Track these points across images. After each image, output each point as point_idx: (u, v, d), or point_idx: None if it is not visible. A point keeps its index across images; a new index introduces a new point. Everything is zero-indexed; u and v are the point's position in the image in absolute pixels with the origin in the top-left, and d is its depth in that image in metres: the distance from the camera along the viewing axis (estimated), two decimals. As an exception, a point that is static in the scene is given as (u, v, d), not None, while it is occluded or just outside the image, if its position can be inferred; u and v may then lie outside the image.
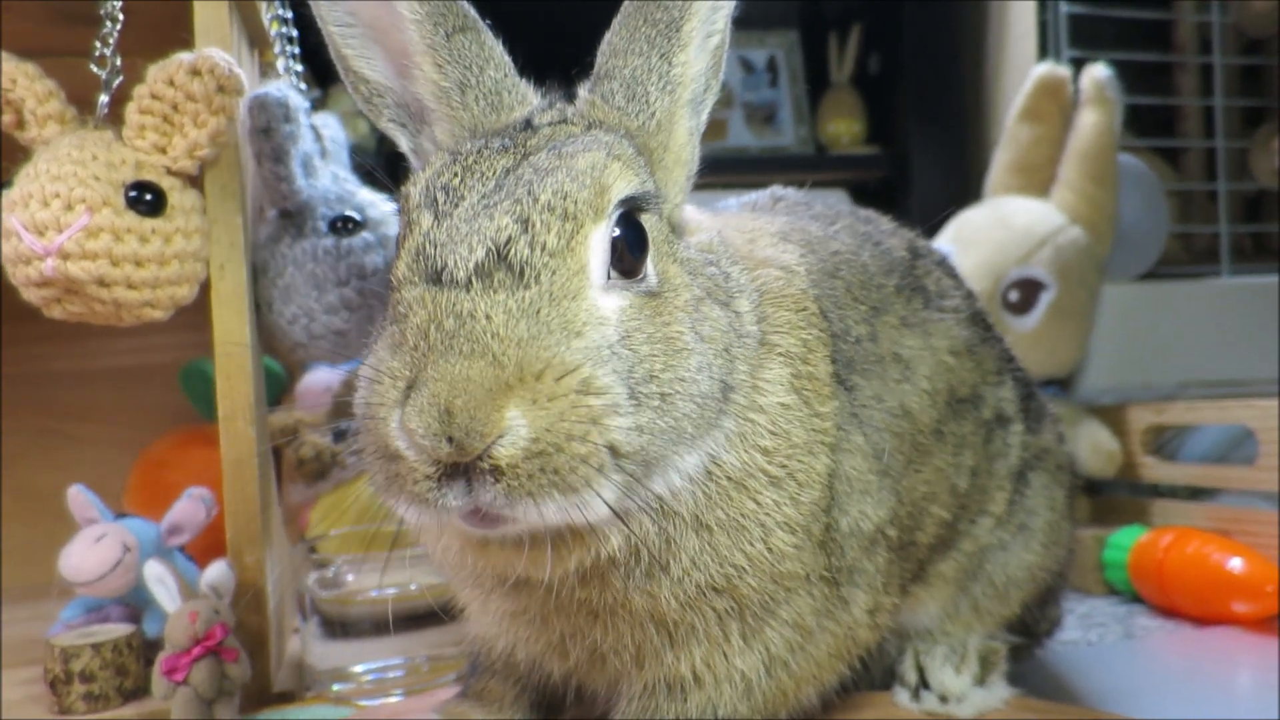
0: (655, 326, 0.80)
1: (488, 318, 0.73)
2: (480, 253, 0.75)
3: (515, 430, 0.70)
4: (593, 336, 0.76)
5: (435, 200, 0.80)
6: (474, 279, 0.74)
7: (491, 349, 0.71)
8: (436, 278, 0.76)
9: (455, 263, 0.75)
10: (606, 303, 0.79)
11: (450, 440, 0.69)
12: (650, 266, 0.83)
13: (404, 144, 0.97)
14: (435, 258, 0.77)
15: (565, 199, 0.78)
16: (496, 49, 0.93)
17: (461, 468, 0.70)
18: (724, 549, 0.86)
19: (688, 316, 0.83)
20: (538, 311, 0.74)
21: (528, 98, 0.94)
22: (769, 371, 0.91)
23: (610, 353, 0.76)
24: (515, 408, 0.70)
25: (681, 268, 0.87)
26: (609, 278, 0.80)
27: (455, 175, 0.82)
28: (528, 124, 0.89)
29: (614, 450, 0.74)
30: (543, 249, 0.76)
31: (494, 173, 0.81)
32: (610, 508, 0.75)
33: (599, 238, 0.79)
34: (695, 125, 0.94)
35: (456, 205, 0.79)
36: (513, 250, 0.76)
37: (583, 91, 0.93)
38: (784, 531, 0.88)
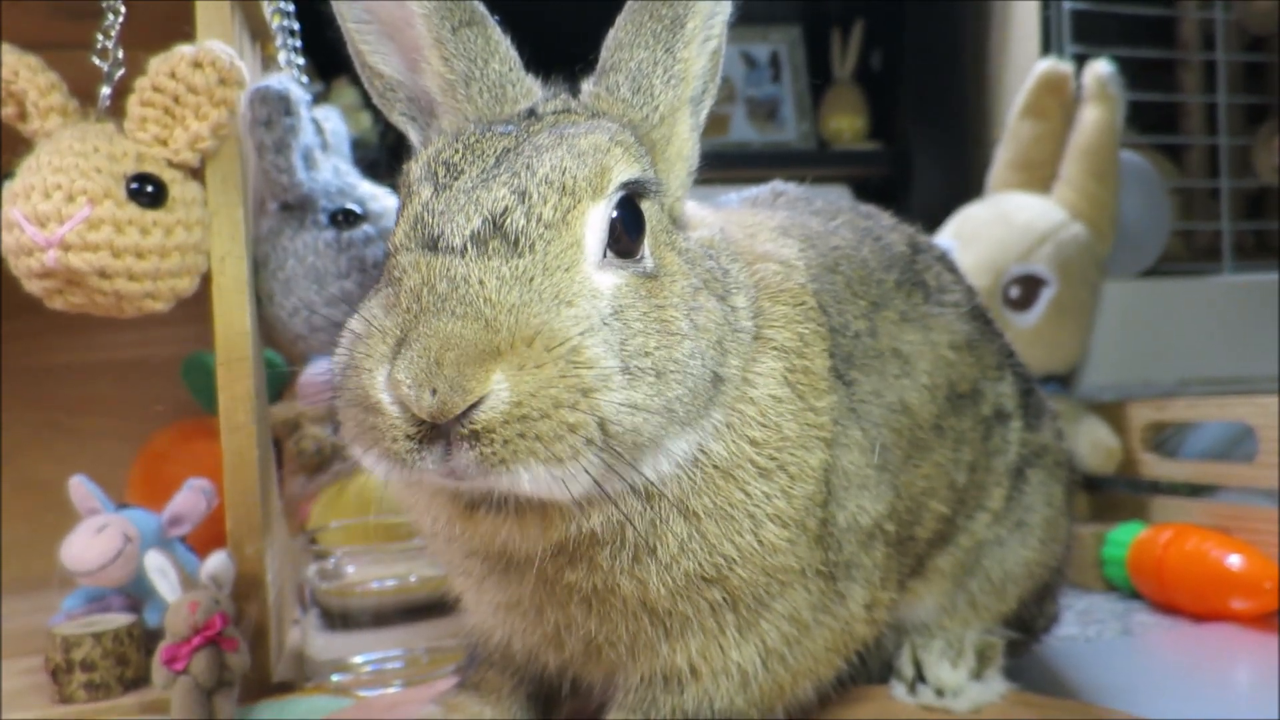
0: (650, 307, 0.80)
1: (481, 283, 0.73)
2: (476, 221, 0.76)
3: (496, 394, 0.70)
4: (584, 307, 0.76)
5: (435, 174, 0.81)
6: (469, 246, 0.75)
7: (484, 314, 0.72)
8: (432, 244, 0.76)
9: (452, 230, 0.76)
10: (601, 279, 0.79)
11: (434, 393, 0.68)
12: (647, 250, 0.83)
13: (414, 137, 0.99)
14: (432, 225, 0.77)
15: (564, 174, 0.79)
16: (503, 43, 0.94)
17: (442, 431, 0.70)
18: (712, 538, 0.86)
19: (683, 303, 0.83)
20: (531, 280, 0.75)
21: (532, 91, 0.95)
22: (761, 365, 0.91)
23: (602, 323, 0.76)
24: (501, 372, 0.70)
25: (679, 257, 0.87)
26: (605, 257, 0.80)
27: (457, 152, 0.83)
28: (531, 112, 0.90)
29: (603, 426, 0.74)
30: (538, 220, 0.77)
31: (495, 151, 0.82)
32: (594, 478, 0.75)
33: (596, 215, 0.80)
34: (695, 123, 0.95)
35: (456, 178, 0.80)
36: (509, 220, 0.76)
37: (587, 85, 0.94)
38: (775, 525, 0.88)
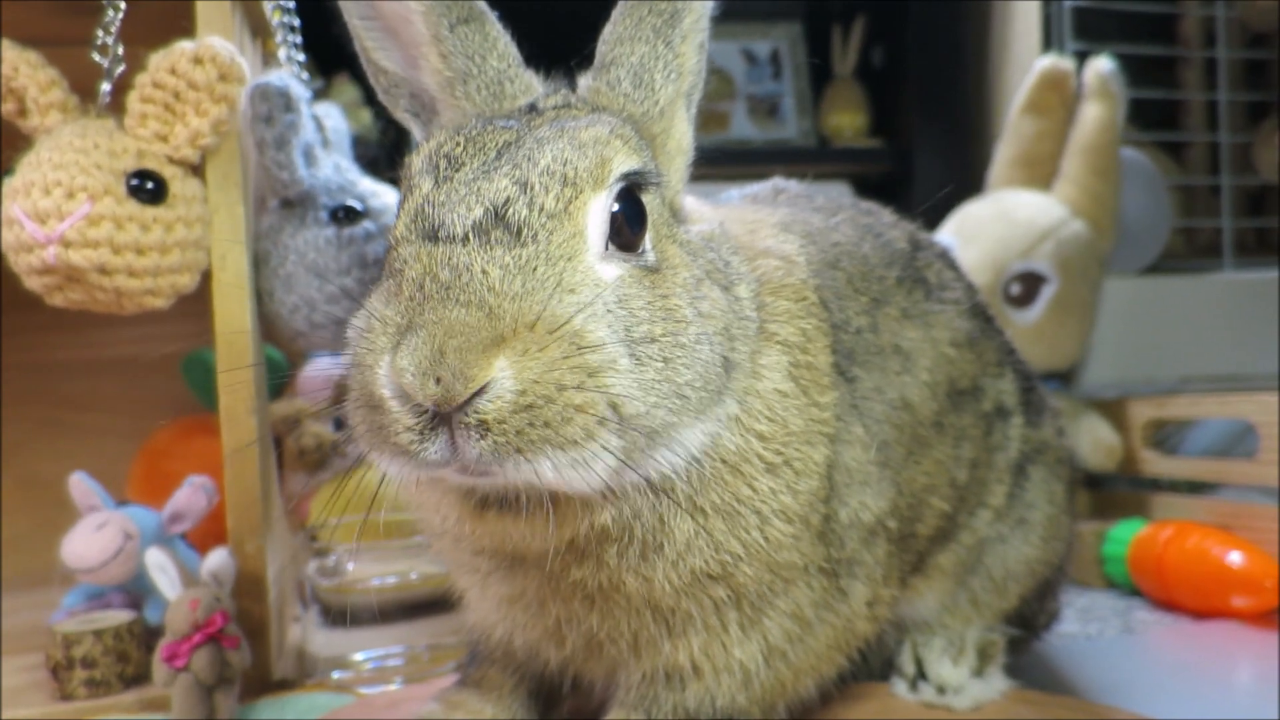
0: (654, 297, 0.80)
1: (484, 272, 0.73)
2: (478, 212, 0.76)
3: (500, 383, 0.69)
4: (587, 294, 0.76)
5: (436, 167, 0.81)
6: (471, 235, 0.75)
7: (488, 302, 0.72)
8: (434, 235, 0.76)
9: (453, 220, 0.76)
10: (604, 269, 0.79)
11: (437, 381, 0.68)
12: (649, 244, 0.83)
13: (418, 133, 0.99)
14: (433, 216, 0.77)
15: (566, 165, 0.79)
16: (501, 40, 0.94)
17: (445, 420, 0.70)
18: (719, 535, 0.86)
19: (687, 293, 0.83)
20: (534, 269, 0.75)
21: (532, 87, 0.95)
22: (767, 358, 0.91)
23: (605, 309, 0.76)
24: (505, 357, 0.70)
25: (681, 249, 0.87)
26: (607, 249, 0.80)
27: (458, 145, 0.83)
28: (532, 107, 0.90)
29: (616, 409, 0.73)
30: (541, 210, 0.77)
31: (496, 145, 0.82)
32: (618, 458, 0.74)
33: (598, 206, 0.80)
34: (690, 117, 0.95)
35: (457, 171, 0.80)
36: (511, 210, 0.76)
37: (585, 80, 0.94)
38: (781, 520, 0.88)
